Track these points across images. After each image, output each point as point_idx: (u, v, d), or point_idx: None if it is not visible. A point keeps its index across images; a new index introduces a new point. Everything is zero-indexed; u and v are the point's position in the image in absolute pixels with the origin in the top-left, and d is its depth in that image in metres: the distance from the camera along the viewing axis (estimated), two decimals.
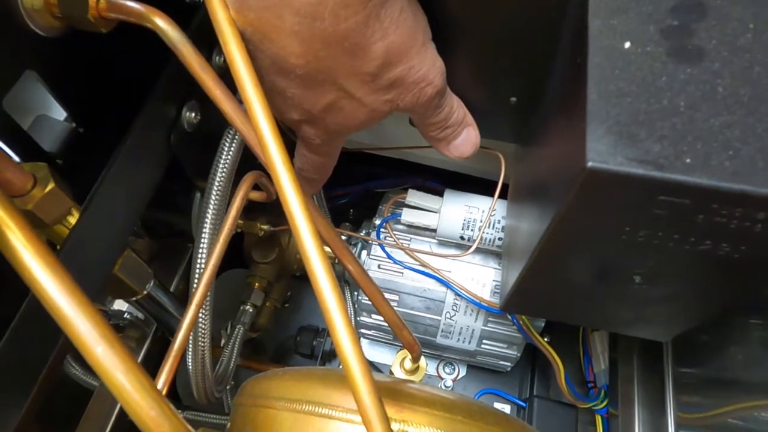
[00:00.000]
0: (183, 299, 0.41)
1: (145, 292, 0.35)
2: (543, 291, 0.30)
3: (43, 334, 0.27)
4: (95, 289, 0.29)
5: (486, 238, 0.44)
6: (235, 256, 0.56)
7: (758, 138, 0.17)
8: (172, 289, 0.44)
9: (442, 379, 0.59)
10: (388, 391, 0.29)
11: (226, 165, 0.34)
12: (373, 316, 0.51)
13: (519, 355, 0.50)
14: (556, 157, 0.23)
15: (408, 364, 0.39)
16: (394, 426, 0.27)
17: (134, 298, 0.35)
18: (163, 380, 0.27)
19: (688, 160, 0.17)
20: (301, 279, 0.64)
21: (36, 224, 0.25)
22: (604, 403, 0.53)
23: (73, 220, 0.26)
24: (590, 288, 0.27)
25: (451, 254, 0.47)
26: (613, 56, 0.19)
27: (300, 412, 0.28)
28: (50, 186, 0.24)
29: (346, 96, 0.28)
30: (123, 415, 0.43)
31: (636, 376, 0.50)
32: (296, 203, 0.23)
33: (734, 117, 0.18)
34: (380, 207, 0.51)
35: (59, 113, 0.30)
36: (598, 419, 0.54)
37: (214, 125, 0.36)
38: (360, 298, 0.51)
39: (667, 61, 0.19)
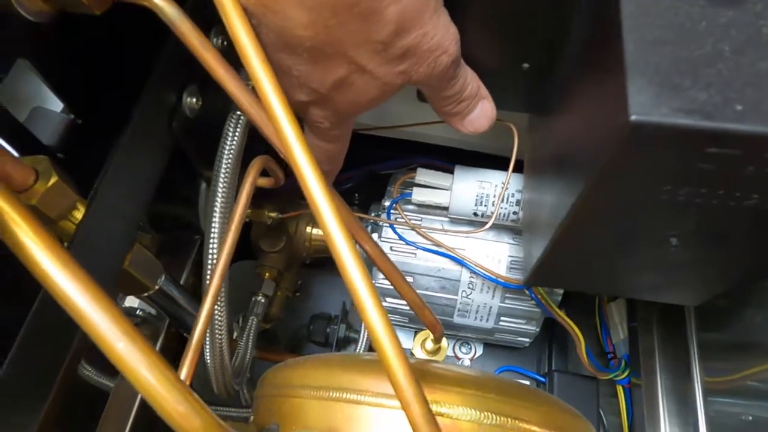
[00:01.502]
0: (193, 294, 0.40)
1: (156, 287, 0.33)
2: (571, 262, 0.29)
3: (56, 336, 0.26)
4: (108, 285, 0.28)
5: (501, 213, 0.43)
6: (243, 247, 0.55)
7: None
8: (181, 284, 0.42)
9: (459, 359, 0.58)
10: (417, 373, 0.28)
11: (231, 151, 0.33)
12: (389, 299, 0.50)
13: (538, 330, 0.50)
14: (586, 120, 0.21)
15: (429, 345, 0.39)
16: None
17: (146, 294, 0.34)
18: (184, 374, 0.26)
19: (738, 107, 0.16)
20: (311, 267, 0.63)
21: (41, 221, 0.24)
22: (626, 374, 0.52)
23: (78, 214, 0.25)
24: (622, 254, 0.26)
25: (466, 231, 0.46)
26: (647, 3, 0.18)
27: (327, 399, 0.27)
28: (53, 179, 0.23)
29: (357, 69, 0.26)
30: (141, 414, 0.42)
31: (657, 344, 0.50)
32: (314, 179, 0.21)
33: None
34: (388, 188, 0.50)
35: (56, 104, 0.29)
36: (620, 390, 0.53)
37: (217, 110, 0.35)
38: (374, 281, 0.50)
39: (706, 5, 0.18)
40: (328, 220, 0.21)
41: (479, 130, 0.33)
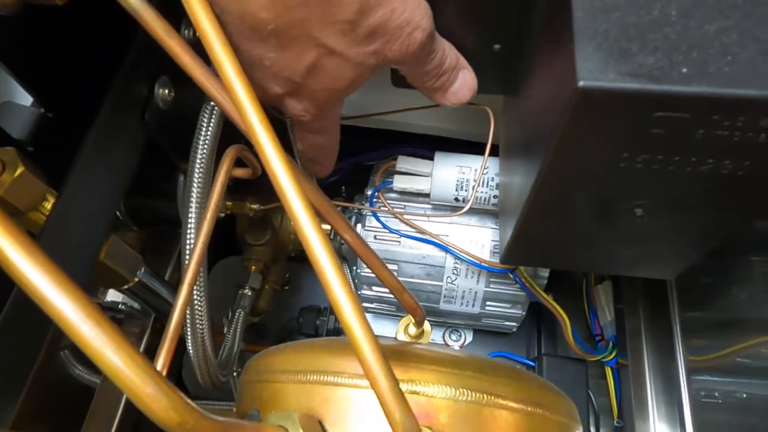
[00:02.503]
0: (177, 289, 0.40)
1: (136, 279, 0.34)
2: (542, 237, 0.29)
3: (31, 329, 0.26)
4: (81, 277, 0.28)
5: (480, 197, 0.43)
6: (229, 243, 0.55)
7: (757, 40, 0.16)
8: (166, 279, 0.43)
9: (449, 346, 0.59)
10: (393, 353, 0.28)
11: (206, 141, 0.33)
12: (374, 288, 0.50)
13: (524, 313, 0.50)
14: (545, 91, 0.22)
15: (412, 330, 0.39)
16: (402, 387, 0.26)
17: (126, 287, 0.34)
18: (161, 363, 0.27)
19: (684, 70, 0.16)
20: (299, 261, 0.63)
21: (10, 212, 0.24)
22: (613, 355, 0.53)
23: (49, 205, 0.25)
24: (590, 227, 0.26)
25: (448, 216, 0.46)
26: None
27: (305, 383, 0.27)
28: (20, 170, 0.23)
29: (327, 53, 0.26)
30: (129, 410, 0.43)
31: (643, 324, 0.50)
32: (281, 169, 0.22)
33: (729, 21, 0.17)
34: (371, 177, 0.50)
35: (25, 98, 0.29)
36: (608, 371, 0.53)
37: (191, 102, 0.35)
38: (359, 271, 0.50)
39: None
40: (292, 200, 0.21)
41: (462, 101, 0.32)
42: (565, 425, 0.30)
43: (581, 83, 0.16)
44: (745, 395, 0.39)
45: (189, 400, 0.19)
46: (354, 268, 0.54)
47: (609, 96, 0.17)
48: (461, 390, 0.26)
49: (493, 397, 0.27)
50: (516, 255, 0.32)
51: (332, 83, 0.27)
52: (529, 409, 0.28)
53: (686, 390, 0.42)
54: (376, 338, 0.21)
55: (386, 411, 0.20)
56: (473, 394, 0.26)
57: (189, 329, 0.34)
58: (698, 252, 0.28)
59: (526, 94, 0.28)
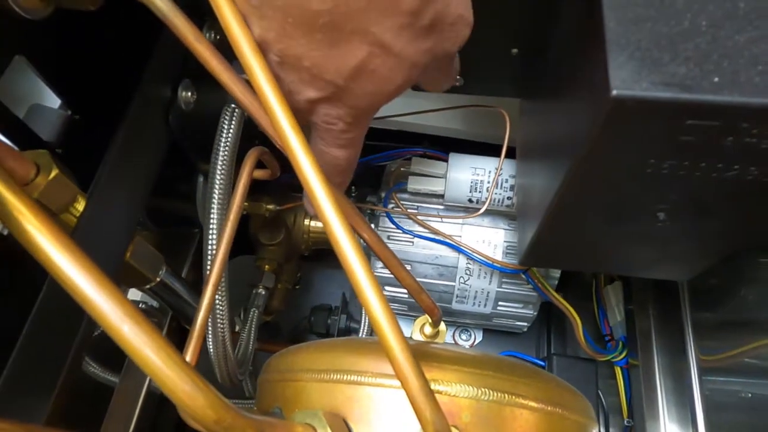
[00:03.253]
0: (194, 288, 0.41)
1: (158, 279, 0.34)
2: (563, 239, 0.30)
3: (60, 329, 0.27)
4: (111, 277, 0.28)
5: (495, 198, 0.44)
6: (242, 242, 0.56)
7: None
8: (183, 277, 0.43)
9: (459, 346, 0.59)
10: (414, 353, 0.29)
11: (228, 143, 0.33)
12: (387, 288, 0.51)
13: (535, 314, 0.50)
14: (574, 98, 0.22)
15: (428, 330, 0.39)
16: None
17: (148, 286, 0.34)
18: (188, 360, 0.27)
19: (715, 79, 0.17)
20: (310, 259, 0.64)
21: None
22: (623, 355, 0.53)
23: (80, 207, 0.26)
24: (612, 230, 0.26)
25: (461, 217, 0.47)
26: None
27: (328, 382, 0.28)
28: (54, 172, 0.24)
29: (381, 51, 0.22)
30: (147, 409, 0.43)
31: (653, 324, 0.50)
32: (310, 168, 0.22)
33: (759, 32, 0.17)
34: (384, 178, 0.51)
35: (53, 101, 0.30)
36: (618, 371, 0.54)
37: (212, 104, 0.35)
38: (374, 271, 0.50)
39: None
40: (325, 206, 0.21)
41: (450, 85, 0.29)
42: (584, 425, 0.30)
43: (614, 92, 0.17)
44: (756, 395, 0.39)
45: (225, 399, 0.20)
46: None
47: (642, 105, 0.17)
48: (483, 390, 0.26)
49: (514, 397, 0.27)
50: (536, 257, 0.33)
51: (379, 86, 0.23)
52: (549, 408, 0.28)
53: (698, 390, 0.42)
54: (405, 338, 0.21)
55: (417, 410, 0.21)
56: (495, 394, 0.27)
57: (210, 330, 0.34)
58: (717, 255, 0.28)
59: (548, 99, 0.28)
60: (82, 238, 0.25)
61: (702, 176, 0.20)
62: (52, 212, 0.24)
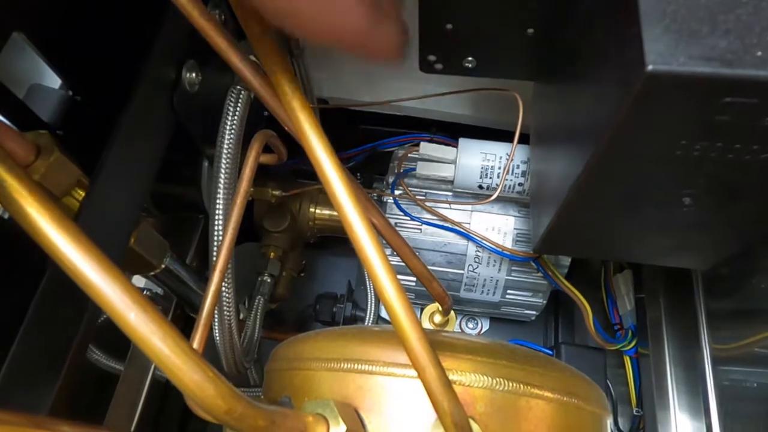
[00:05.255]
0: (199, 275, 0.40)
1: (163, 266, 0.33)
2: (582, 226, 0.29)
3: (65, 315, 0.26)
4: (115, 263, 0.28)
5: (506, 185, 0.43)
6: (246, 229, 0.55)
7: None
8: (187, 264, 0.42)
9: (468, 335, 0.59)
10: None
11: (233, 126, 0.32)
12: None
13: (545, 302, 0.50)
14: (599, 79, 0.21)
15: (437, 318, 0.39)
16: None
17: (152, 273, 0.33)
18: (195, 347, 0.26)
19: (759, 53, 0.16)
20: (315, 247, 0.63)
21: None
22: (632, 344, 0.52)
23: (82, 191, 0.25)
24: (633, 217, 0.25)
25: (471, 203, 0.46)
26: None
27: (339, 371, 0.27)
28: (56, 154, 0.23)
29: None
30: (152, 397, 0.43)
31: (663, 314, 0.50)
32: (322, 150, 0.21)
33: None
34: (391, 164, 0.50)
35: (53, 81, 0.29)
36: (627, 360, 0.53)
37: (217, 86, 0.34)
38: None
39: None
40: (338, 190, 0.20)
41: None
42: (598, 415, 0.30)
43: (650, 67, 0.16)
44: (766, 385, 0.39)
45: (235, 389, 0.19)
46: None
47: (678, 81, 0.16)
48: (498, 379, 0.26)
49: (529, 387, 0.26)
50: (552, 244, 0.32)
51: None
52: (564, 399, 0.27)
53: (712, 380, 0.41)
54: (421, 326, 0.20)
55: (434, 400, 0.20)
56: (510, 384, 0.26)
57: (216, 317, 0.34)
58: (739, 243, 0.27)
59: (569, 80, 0.27)
60: (84, 222, 0.24)
61: (734, 158, 0.19)
62: (53, 196, 0.23)
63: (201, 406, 0.18)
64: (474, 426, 0.24)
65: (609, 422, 0.31)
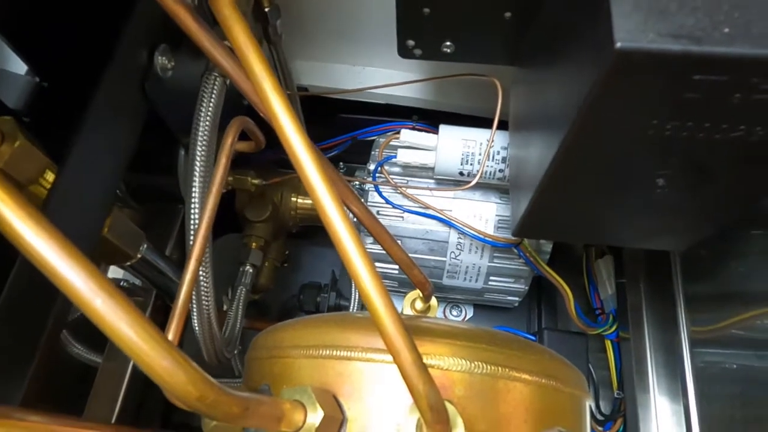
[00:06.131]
0: (179, 266, 0.40)
1: (139, 256, 0.33)
2: (558, 209, 0.29)
3: (36, 305, 0.25)
4: (85, 252, 0.27)
5: (487, 171, 0.43)
6: (228, 219, 0.54)
7: None
8: (166, 255, 0.42)
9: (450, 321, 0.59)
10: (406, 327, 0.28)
11: (209, 113, 0.32)
12: (378, 264, 0.50)
13: (527, 288, 0.50)
14: (573, 60, 0.21)
15: (419, 305, 0.39)
16: None
17: (128, 263, 0.33)
18: (171, 338, 0.26)
19: (726, 30, 0.16)
20: (298, 237, 0.63)
21: None
22: (614, 328, 0.53)
23: (50, 178, 0.24)
24: (608, 198, 0.25)
25: (452, 190, 0.46)
26: None
27: (317, 357, 0.27)
28: (20, 140, 0.22)
29: None
30: (133, 389, 0.42)
31: (644, 298, 0.50)
32: (296, 135, 0.21)
33: None
34: (373, 152, 0.49)
35: (19, 67, 0.28)
36: (608, 344, 0.54)
37: (191, 72, 0.34)
38: None
39: None
40: (309, 169, 0.20)
41: None
42: (577, 397, 0.30)
43: (619, 44, 0.16)
44: (745, 366, 0.40)
45: (207, 375, 0.19)
46: None
47: (648, 58, 0.16)
48: (476, 363, 0.26)
49: (507, 370, 0.26)
50: (530, 228, 0.32)
51: None
52: (543, 381, 0.28)
53: (689, 362, 0.42)
54: (396, 311, 0.20)
55: (409, 384, 0.20)
56: (488, 367, 0.26)
57: (195, 306, 0.33)
58: (713, 225, 0.28)
59: (546, 64, 0.27)
60: (53, 210, 0.24)
61: (705, 137, 0.19)
62: (19, 184, 0.23)
63: (172, 393, 0.18)
64: (450, 408, 0.24)
65: (589, 404, 0.32)
